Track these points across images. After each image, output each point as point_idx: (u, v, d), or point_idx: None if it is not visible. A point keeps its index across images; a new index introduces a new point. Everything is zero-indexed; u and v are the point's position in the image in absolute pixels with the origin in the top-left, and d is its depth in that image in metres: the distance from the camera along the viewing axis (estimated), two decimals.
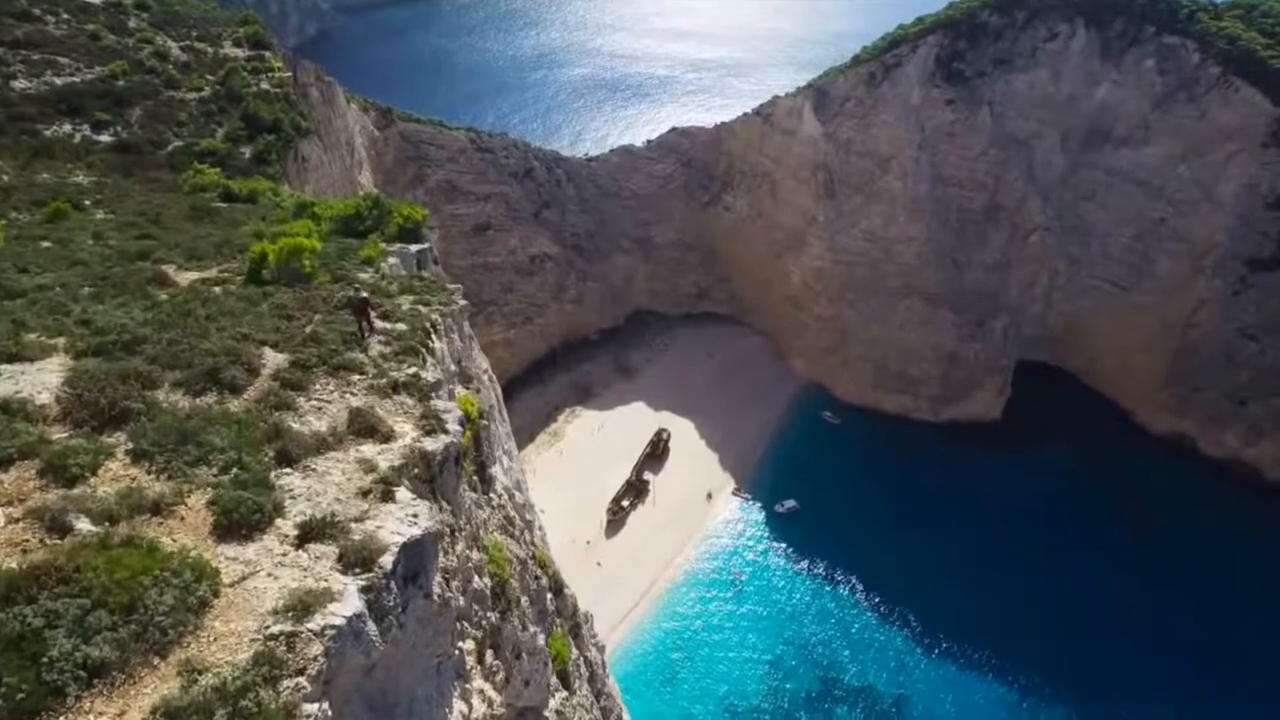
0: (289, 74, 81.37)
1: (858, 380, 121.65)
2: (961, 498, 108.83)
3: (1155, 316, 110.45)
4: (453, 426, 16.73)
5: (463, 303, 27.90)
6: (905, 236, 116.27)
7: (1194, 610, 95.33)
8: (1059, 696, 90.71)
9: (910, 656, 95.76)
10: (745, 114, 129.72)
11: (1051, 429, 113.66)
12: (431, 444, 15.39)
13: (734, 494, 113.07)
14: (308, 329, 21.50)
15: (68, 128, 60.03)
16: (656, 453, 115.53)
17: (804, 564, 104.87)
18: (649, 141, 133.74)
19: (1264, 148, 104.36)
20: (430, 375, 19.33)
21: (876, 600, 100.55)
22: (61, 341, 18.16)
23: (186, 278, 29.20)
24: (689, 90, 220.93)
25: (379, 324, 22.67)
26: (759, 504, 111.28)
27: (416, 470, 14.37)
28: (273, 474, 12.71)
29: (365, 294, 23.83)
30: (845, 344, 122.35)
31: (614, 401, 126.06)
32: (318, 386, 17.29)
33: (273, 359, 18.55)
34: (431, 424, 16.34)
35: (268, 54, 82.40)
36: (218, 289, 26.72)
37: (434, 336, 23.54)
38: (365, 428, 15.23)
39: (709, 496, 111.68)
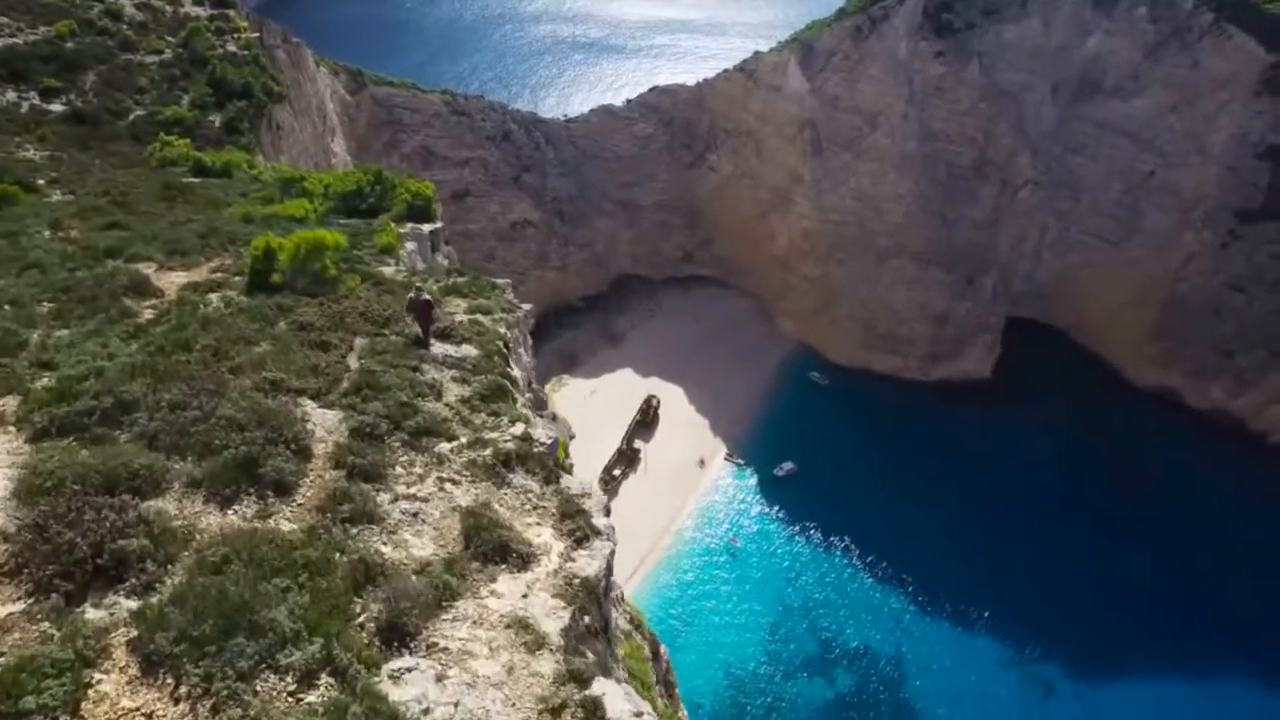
0: (256, 35, 73.46)
1: (847, 341, 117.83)
2: (953, 456, 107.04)
3: (1144, 271, 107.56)
4: (601, 520, 11.37)
5: (527, 307, 22.29)
6: (894, 194, 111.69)
7: (1184, 562, 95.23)
8: (1054, 651, 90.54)
9: (907, 616, 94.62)
10: (728, 70, 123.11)
11: (1041, 385, 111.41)
12: (589, 562, 10.04)
13: (726, 459, 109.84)
14: (353, 363, 15.94)
15: (11, 95, 52.55)
16: (646, 420, 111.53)
17: (799, 527, 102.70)
18: (629, 101, 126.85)
19: (1256, 96, 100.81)
20: (542, 434, 13.89)
21: (871, 561, 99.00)
22: (11, 404, 12.33)
23: (172, 282, 23.27)
24: (664, 47, 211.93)
25: (444, 350, 17.11)
26: (752, 468, 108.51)
27: (588, 618, 9.02)
28: (384, 675, 7.32)
29: (428, 295, 18.41)
30: (834, 304, 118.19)
31: (601, 369, 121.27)
32: (399, 470, 11.81)
33: (323, 424, 12.92)
34: (577, 525, 10.91)
35: (231, 13, 74.41)
36: (215, 298, 21.02)
37: (512, 362, 18.13)
38: (492, 547, 9.75)
39: (701, 463, 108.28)
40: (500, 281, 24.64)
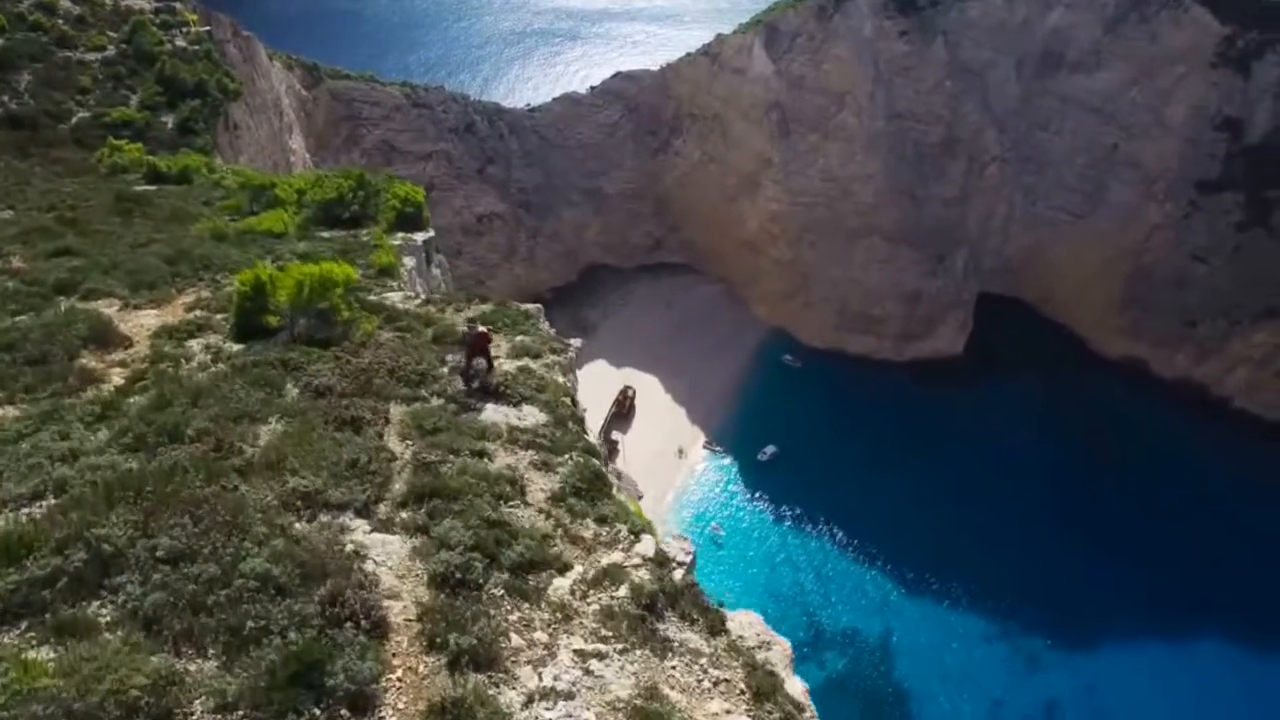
0: (205, 29, 67.40)
1: (820, 323, 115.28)
2: (930, 434, 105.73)
3: (1109, 244, 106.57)
4: (797, 684, 7.57)
5: (577, 344, 18.32)
6: (863, 174, 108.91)
7: (1156, 528, 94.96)
8: (1037, 623, 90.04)
9: (893, 595, 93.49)
10: (691, 54, 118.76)
11: (1013, 360, 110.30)
12: None
13: (705, 447, 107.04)
14: (396, 446, 11.95)
15: None
16: (623, 411, 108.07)
17: (781, 512, 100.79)
18: (593, 88, 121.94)
19: (1212, 68, 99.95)
20: (678, 548, 10.13)
21: (855, 543, 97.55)
22: None
23: (140, 325, 18.81)
24: (625, 35, 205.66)
25: (503, 417, 13.21)
26: (731, 455, 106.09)
27: None
28: None
29: (484, 327, 14.59)
30: (806, 287, 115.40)
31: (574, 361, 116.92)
32: (516, 640, 7.96)
33: (387, 561, 8.96)
34: (776, 705, 7.21)
35: (178, 5, 68.11)
36: (197, 348, 16.71)
37: (585, 427, 14.27)
38: None
39: (680, 452, 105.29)
40: (530, 308, 20.67)
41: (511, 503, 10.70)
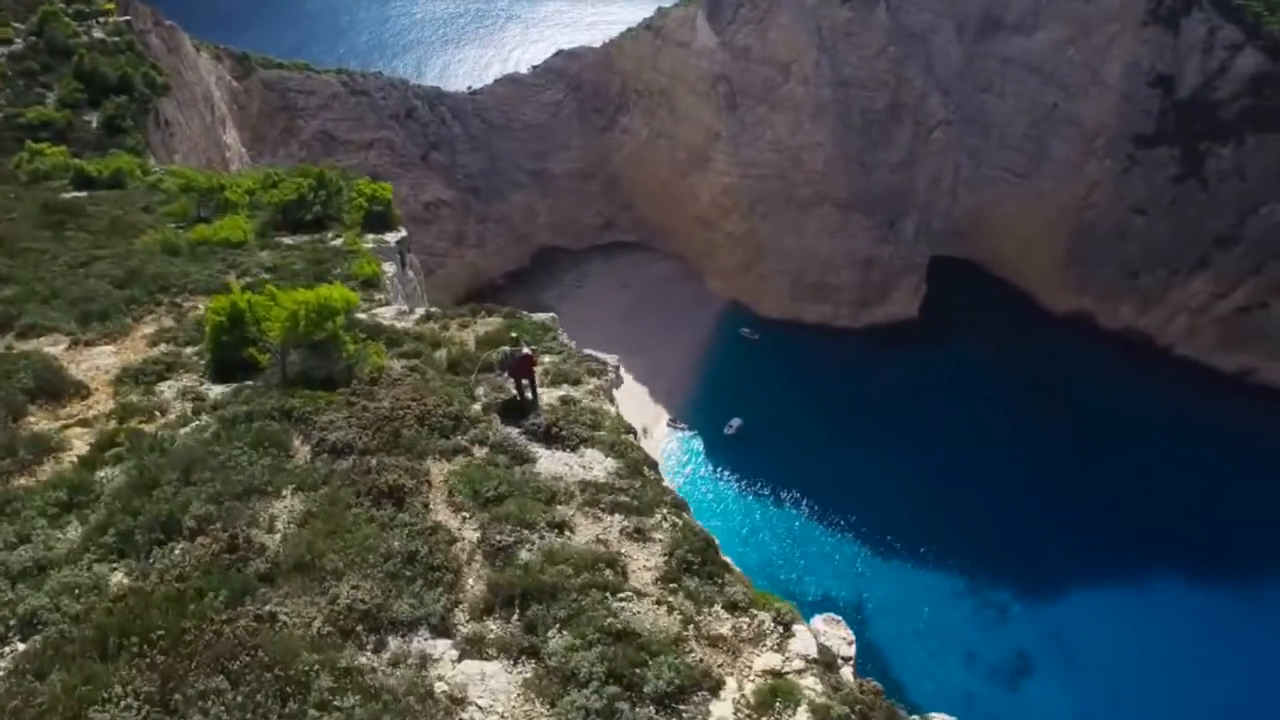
0: (124, 19, 61.90)
1: (777, 294, 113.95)
2: (889, 397, 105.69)
3: (1052, 201, 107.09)
4: None
5: (614, 361, 15.76)
6: (812, 143, 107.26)
7: (1109, 476, 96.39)
8: (1003, 576, 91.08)
9: (861, 560, 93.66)
10: (633, 29, 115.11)
11: (966, 320, 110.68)
12: None
13: (669, 425, 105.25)
14: (449, 521, 9.39)
15: None
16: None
17: (749, 485, 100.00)
18: (534, 68, 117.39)
19: (1144, 25, 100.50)
20: (842, 641, 7.87)
21: (822, 511, 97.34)
22: None
23: (97, 369, 15.64)
24: (563, 12, 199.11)
25: (564, 467, 10.77)
26: (695, 432, 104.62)
27: None
28: None
29: (528, 348, 12.13)
30: (760, 259, 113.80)
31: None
32: None
33: (496, 705, 6.30)
34: None
35: None
36: (171, 395, 13.75)
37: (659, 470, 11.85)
38: None
39: (644, 432, 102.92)
40: (545, 319, 18.05)
41: (620, 595, 8.31)
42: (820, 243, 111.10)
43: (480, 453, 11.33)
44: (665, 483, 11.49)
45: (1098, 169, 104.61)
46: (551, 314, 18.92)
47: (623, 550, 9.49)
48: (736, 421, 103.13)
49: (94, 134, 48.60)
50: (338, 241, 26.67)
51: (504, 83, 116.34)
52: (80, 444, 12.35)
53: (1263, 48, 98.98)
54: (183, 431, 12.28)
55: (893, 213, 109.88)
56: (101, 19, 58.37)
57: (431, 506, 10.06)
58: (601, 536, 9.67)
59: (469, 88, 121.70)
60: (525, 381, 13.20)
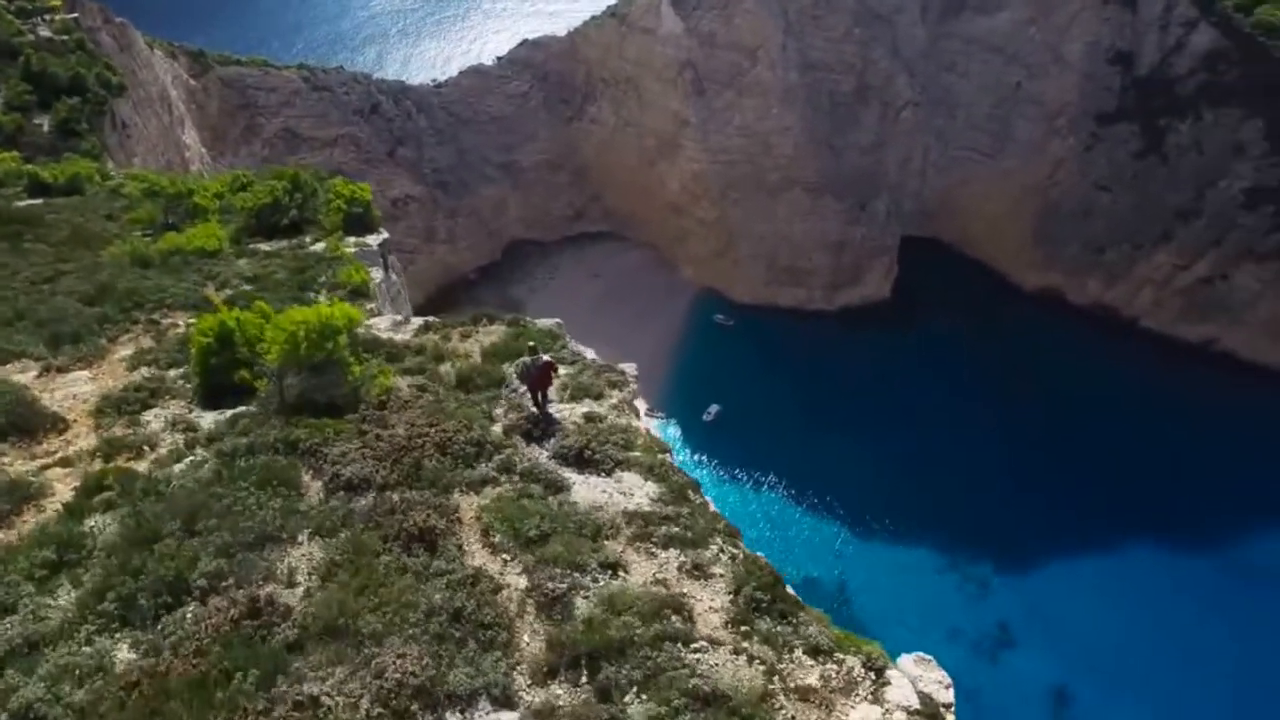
0: (71, 15, 59.24)
1: (750, 279, 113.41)
2: (865, 378, 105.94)
3: (1019, 180, 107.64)
4: None
5: (632, 370, 14.80)
6: (781, 127, 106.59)
7: (1083, 447, 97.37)
8: (983, 551, 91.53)
9: (841, 542, 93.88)
10: (597, 17, 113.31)
11: (938, 300, 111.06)
12: None
13: (647, 415, 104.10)
14: (490, 566, 8.42)
15: None
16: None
17: (729, 470, 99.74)
18: (499, 58, 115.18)
19: (1104, 3, 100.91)
20: (939, 686, 7.04)
21: (801, 494, 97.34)
22: None
23: (73, 397, 14.33)
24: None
25: (604, 493, 9.87)
26: (673, 420, 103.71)
27: None
28: None
29: (547, 355, 11.22)
30: (733, 245, 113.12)
31: None
32: None
33: None
34: None
35: None
36: (159, 425, 12.48)
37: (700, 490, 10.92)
38: None
39: None
40: (550, 324, 16.97)
41: (694, 645, 7.40)
42: (792, 226, 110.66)
43: (510, 482, 10.33)
44: (712, 506, 10.58)
45: (1061, 147, 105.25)
46: (557, 320, 17.88)
47: (685, 591, 8.57)
48: (714, 408, 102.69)
49: (47, 138, 46.35)
50: (318, 247, 25.26)
51: (469, 75, 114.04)
52: (63, 488, 11.10)
53: (1216, 24, 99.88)
54: (177, 469, 11.08)
55: (863, 195, 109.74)
56: (47, 16, 55.68)
57: (466, 548, 9.05)
58: (659, 576, 8.74)
59: (433, 81, 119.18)
60: (541, 393, 12.30)
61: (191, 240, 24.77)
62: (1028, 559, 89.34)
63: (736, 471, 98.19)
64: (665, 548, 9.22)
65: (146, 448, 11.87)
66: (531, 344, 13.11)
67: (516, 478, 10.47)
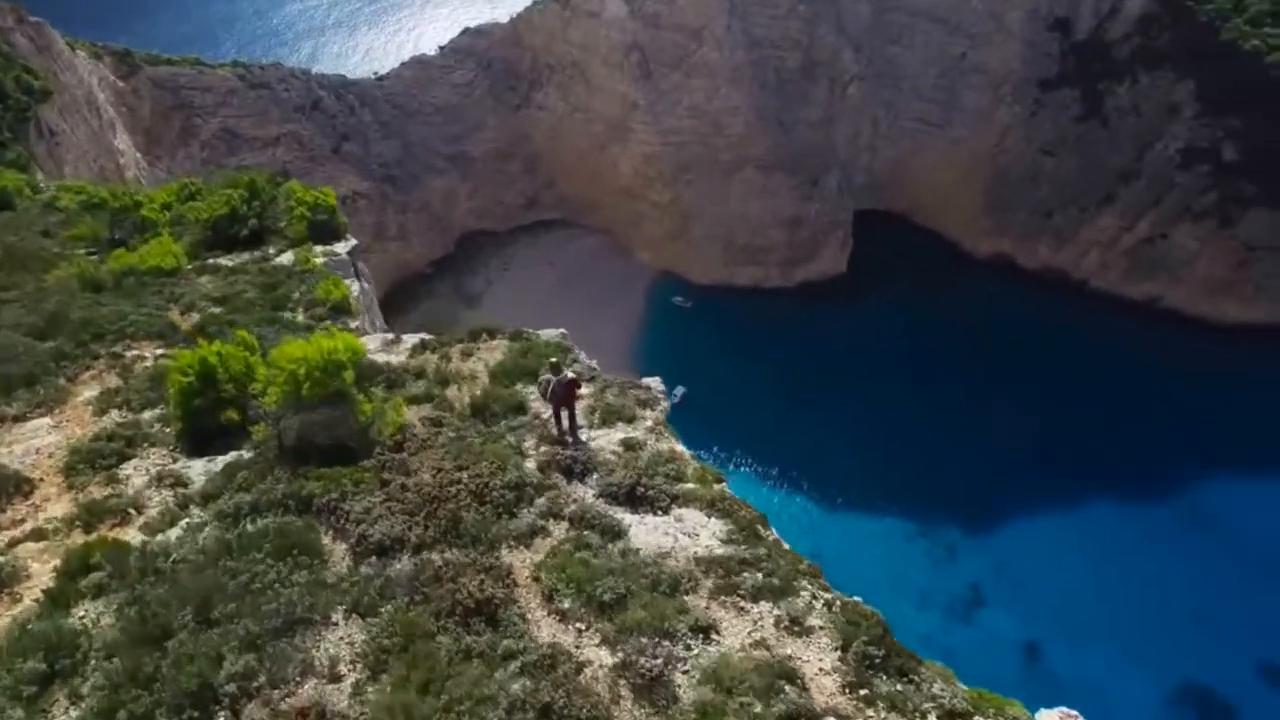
0: None
1: (707, 260, 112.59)
2: (826, 352, 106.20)
3: (967, 149, 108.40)
4: None
5: (658, 385, 13.58)
6: (730, 107, 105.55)
7: (1039, 406, 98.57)
8: (950, 516, 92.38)
9: (810, 516, 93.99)
10: (539, 1, 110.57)
11: (894, 271, 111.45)
12: None
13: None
14: (581, 646, 7.23)
15: None
16: None
17: (695, 454, 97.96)
18: (442, 48, 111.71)
19: None
20: None
21: (770, 469, 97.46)
22: None
23: (38, 453, 12.60)
24: None
25: (668, 536, 8.72)
26: None
27: None
28: None
29: (571, 372, 10.02)
30: (688, 226, 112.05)
31: None
32: None
33: None
34: None
35: None
36: (142, 482, 10.95)
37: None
38: None
39: None
40: (555, 336, 15.62)
41: None
42: (746, 205, 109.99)
43: (561, 530, 9.09)
44: (784, 542, 9.51)
45: (1007, 114, 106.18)
46: (561, 330, 16.58)
47: (789, 652, 7.49)
48: (680, 390, 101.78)
49: None
50: (285, 259, 23.38)
51: (411, 66, 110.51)
52: (41, 568, 9.48)
53: None
54: (173, 536, 9.56)
55: (815, 170, 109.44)
56: None
57: (531, 618, 7.82)
58: (757, 636, 7.64)
59: (375, 74, 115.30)
60: (566, 411, 11.09)
61: (146, 258, 22.71)
62: (993, 520, 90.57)
63: (704, 452, 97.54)
64: (755, 600, 8.12)
65: (133, 511, 10.33)
66: (553, 360, 11.86)
67: (566, 524, 9.24)
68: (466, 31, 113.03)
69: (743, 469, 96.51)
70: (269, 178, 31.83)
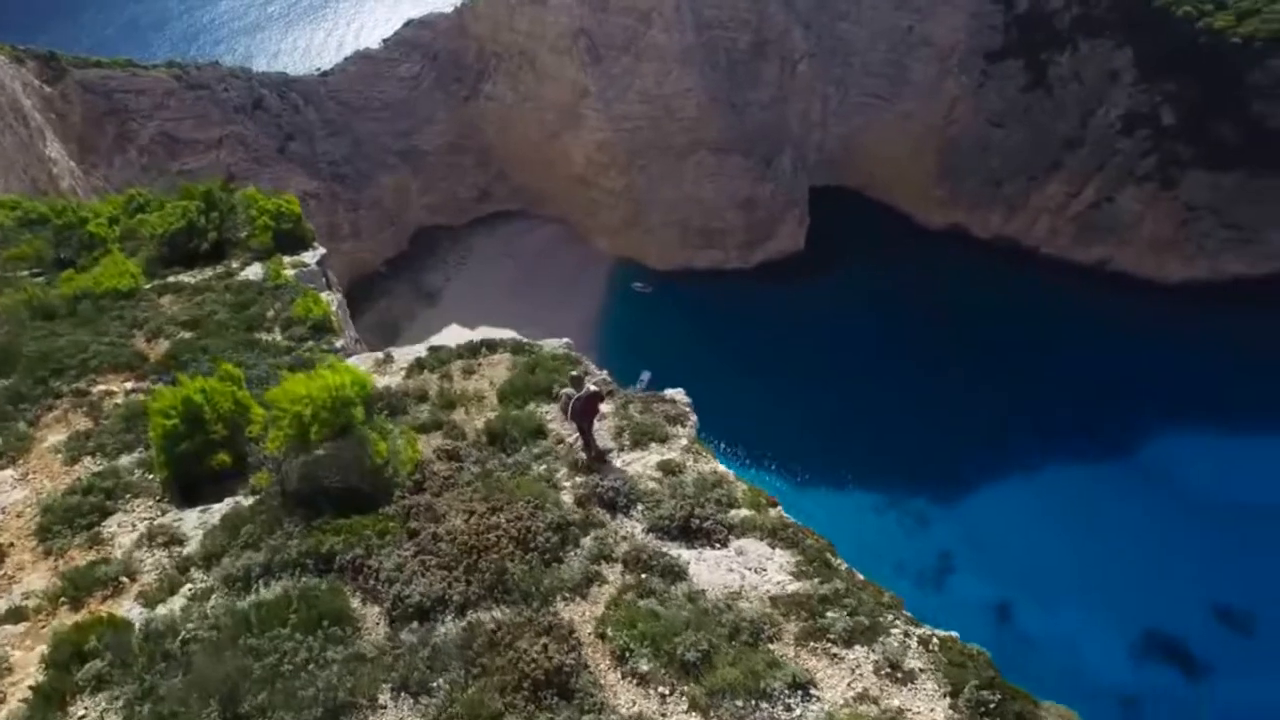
0: None
1: (664, 245, 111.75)
2: (788, 330, 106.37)
3: (917, 122, 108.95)
4: None
5: (683, 396, 12.74)
6: (681, 90, 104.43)
7: (998, 374, 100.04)
8: (918, 486, 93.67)
9: (785, 493, 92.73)
10: None
11: (851, 245, 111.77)
12: None
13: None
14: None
15: None
16: None
17: None
18: (385, 41, 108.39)
19: None
20: None
21: (739, 448, 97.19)
22: None
23: (5, 514, 11.22)
24: None
25: (738, 574, 7.88)
26: None
27: None
28: None
29: (593, 385, 9.12)
30: (644, 212, 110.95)
31: (424, 332, 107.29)
32: None
33: None
34: None
35: None
36: (129, 542, 9.89)
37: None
38: None
39: None
40: (561, 346, 14.64)
41: None
42: (701, 188, 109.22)
43: (615, 575, 8.19)
44: (856, 571, 8.76)
45: (956, 86, 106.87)
46: (566, 340, 15.61)
47: (898, 704, 6.75)
48: (645, 375, 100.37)
49: None
50: (251, 273, 21.87)
51: (355, 60, 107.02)
52: (24, 656, 8.20)
53: None
54: (177, 608, 8.36)
55: (768, 150, 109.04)
56: None
57: (606, 684, 6.93)
58: (858, 687, 6.85)
59: (318, 70, 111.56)
60: (586, 423, 10.20)
61: (100, 279, 21.02)
62: (961, 487, 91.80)
63: None
64: (848, 644, 7.33)
65: (125, 579, 9.14)
66: (575, 373, 10.97)
67: (621, 567, 8.34)
68: (410, 23, 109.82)
69: (710, 448, 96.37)
70: (223, 185, 29.99)
